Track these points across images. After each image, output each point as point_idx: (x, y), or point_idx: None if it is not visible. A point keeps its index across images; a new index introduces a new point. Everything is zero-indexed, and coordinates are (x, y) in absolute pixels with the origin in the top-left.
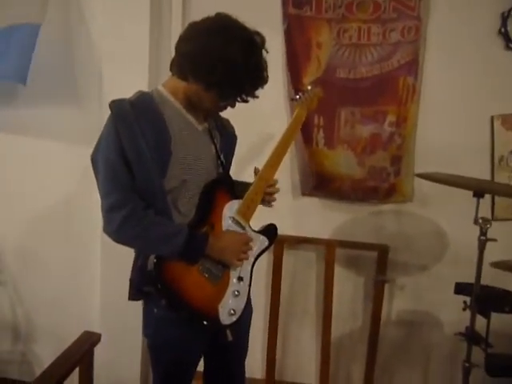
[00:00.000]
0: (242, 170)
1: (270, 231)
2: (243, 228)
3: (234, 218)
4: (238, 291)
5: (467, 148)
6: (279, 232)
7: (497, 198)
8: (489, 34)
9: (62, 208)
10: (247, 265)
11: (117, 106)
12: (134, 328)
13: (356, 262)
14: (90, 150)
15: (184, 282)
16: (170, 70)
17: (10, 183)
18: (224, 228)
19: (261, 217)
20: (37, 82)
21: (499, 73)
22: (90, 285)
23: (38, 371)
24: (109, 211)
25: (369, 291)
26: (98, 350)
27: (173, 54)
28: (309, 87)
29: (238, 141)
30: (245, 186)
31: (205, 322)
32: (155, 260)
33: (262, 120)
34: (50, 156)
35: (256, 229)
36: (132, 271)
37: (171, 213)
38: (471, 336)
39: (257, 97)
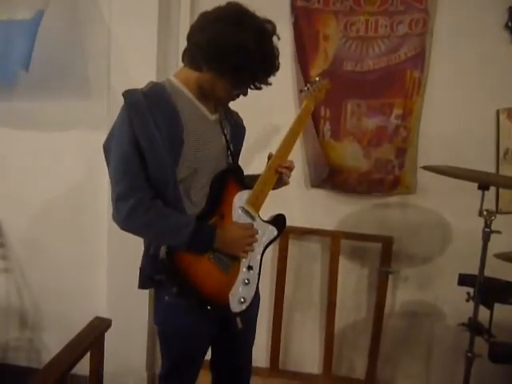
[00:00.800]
0: (250, 161)
1: (278, 221)
2: (253, 218)
3: (243, 208)
4: (247, 280)
5: (472, 141)
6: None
7: (501, 192)
8: (496, 27)
9: (70, 197)
10: (257, 254)
11: (130, 95)
12: (141, 316)
13: (360, 254)
14: (98, 142)
15: (195, 270)
16: (182, 60)
17: (18, 173)
18: (234, 218)
19: (268, 208)
20: (45, 73)
21: (505, 66)
22: (97, 273)
23: (46, 358)
24: (117, 200)
25: (373, 282)
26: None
27: (181, 44)
28: (317, 79)
29: (247, 132)
30: (253, 178)
31: (208, 307)
32: (167, 249)
33: (269, 112)
34: (58, 147)
35: (265, 219)
36: (143, 260)
37: (183, 202)
38: (474, 327)
39: (270, 84)
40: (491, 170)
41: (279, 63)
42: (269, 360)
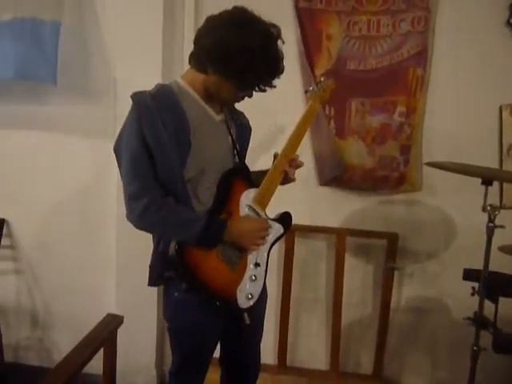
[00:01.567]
0: (256, 160)
1: (285, 219)
2: (259, 216)
3: (250, 206)
4: (255, 276)
5: (475, 137)
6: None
7: (505, 187)
8: (497, 24)
9: (79, 199)
10: (263, 251)
11: (138, 97)
12: (150, 315)
13: (366, 250)
14: (105, 143)
15: (204, 267)
16: (189, 62)
17: (27, 176)
18: (241, 215)
19: (274, 206)
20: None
21: (507, 63)
22: (106, 272)
23: (57, 357)
24: (131, 200)
25: (378, 279)
26: None
27: (185, 47)
28: (322, 79)
29: (253, 132)
30: (259, 174)
31: (217, 303)
32: (177, 246)
33: (275, 112)
34: (67, 149)
35: (271, 217)
36: (152, 257)
37: (191, 201)
38: (479, 321)
39: (274, 86)
40: (495, 166)
41: (284, 66)
42: (277, 357)
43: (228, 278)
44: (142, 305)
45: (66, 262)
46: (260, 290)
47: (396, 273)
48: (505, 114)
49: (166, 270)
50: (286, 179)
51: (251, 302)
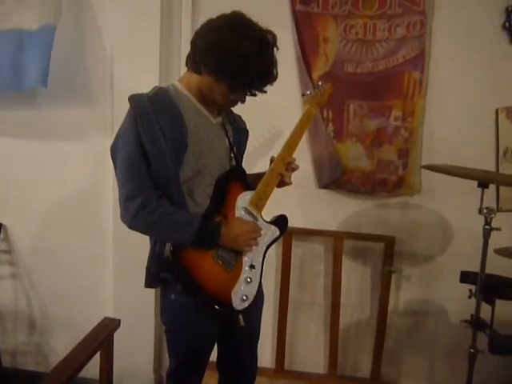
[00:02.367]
0: (253, 163)
1: (281, 222)
2: (255, 218)
3: (246, 209)
4: (250, 278)
5: (472, 140)
6: (288, 224)
7: (501, 190)
8: (493, 28)
9: (75, 203)
10: (259, 254)
11: (136, 100)
12: (147, 318)
13: (363, 254)
14: (103, 147)
15: (199, 268)
16: (186, 64)
17: (24, 180)
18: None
19: (271, 208)
20: (51, 79)
21: (504, 66)
22: (103, 276)
23: (54, 362)
24: (125, 200)
25: (376, 282)
26: None
27: (183, 50)
28: (319, 83)
29: (250, 135)
30: (256, 177)
31: (216, 307)
32: (172, 247)
33: (273, 115)
34: (63, 153)
35: (268, 219)
36: (149, 259)
37: (186, 203)
38: (476, 323)
39: (265, 92)
40: (491, 168)
41: (277, 73)
42: (274, 360)
43: (223, 279)
44: (140, 309)
45: (63, 266)
46: (255, 291)
47: (393, 276)
48: (501, 117)
49: (162, 272)
50: (282, 182)
51: (246, 304)
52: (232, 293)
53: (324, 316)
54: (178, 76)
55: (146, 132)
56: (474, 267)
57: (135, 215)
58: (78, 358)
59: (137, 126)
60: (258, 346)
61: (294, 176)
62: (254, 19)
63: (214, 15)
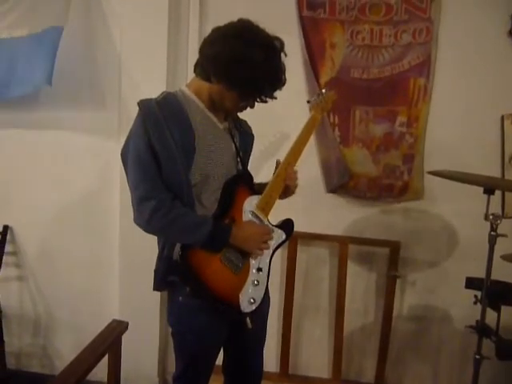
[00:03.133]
0: (259, 167)
1: (287, 225)
2: (262, 222)
3: (253, 212)
4: (257, 281)
5: (478, 147)
6: (294, 228)
7: (507, 197)
8: (499, 35)
9: (81, 205)
10: (266, 257)
11: (145, 105)
12: (153, 322)
13: (368, 259)
14: (110, 150)
15: (207, 271)
16: (194, 71)
17: (31, 181)
18: (244, 221)
19: (277, 213)
20: (59, 82)
21: (509, 73)
22: (109, 279)
23: (59, 364)
24: (139, 203)
25: (381, 287)
26: None
27: (190, 55)
28: (323, 90)
29: (256, 140)
30: (259, 186)
31: (224, 310)
32: (180, 251)
33: (280, 120)
34: (70, 155)
35: (274, 223)
36: (157, 262)
37: (195, 206)
38: (482, 329)
39: (275, 98)
40: (497, 175)
41: (285, 78)
42: (279, 365)
43: (231, 282)
44: (145, 312)
45: (69, 268)
46: (262, 294)
47: (398, 281)
48: (507, 123)
49: (170, 275)
50: (286, 191)
51: (253, 307)
52: (239, 295)
53: (328, 320)
54: (185, 81)
55: (156, 136)
56: (480, 273)
57: (150, 218)
58: (87, 361)
59: (147, 130)
60: (263, 350)
61: (301, 180)
62: (262, 25)
63: (221, 21)
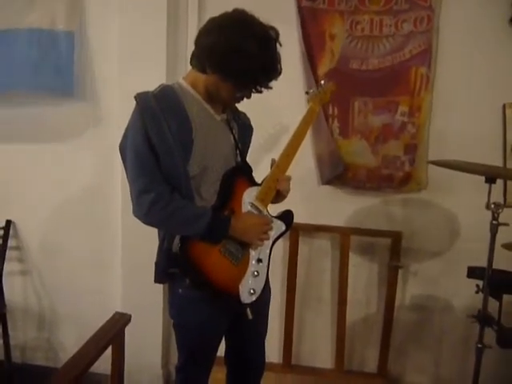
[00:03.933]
0: (259, 159)
1: (286, 217)
2: (261, 213)
3: (252, 204)
4: (257, 272)
5: (479, 136)
6: (295, 220)
7: (509, 185)
8: (500, 23)
9: (83, 198)
10: (266, 248)
11: (142, 98)
12: (156, 312)
13: (370, 249)
14: (110, 143)
15: (207, 262)
16: (190, 63)
17: (33, 176)
18: (243, 212)
19: (278, 205)
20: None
21: (511, 61)
22: (112, 271)
23: (63, 357)
24: (138, 196)
25: (383, 277)
26: None
27: (189, 48)
28: (322, 81)
29: (255, 132)
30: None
31: (224, 301)
32: (180, 243)
33: (278, 112)
34: (71, 149)
35: (274, 215)
36: (157, 255)
37: (194, 198)
38: (484, 318)
39: (270, 88)
40: (498, 164)
41: (281, 68)
42: (281, 355)
43: (231, 273)
44: (148, 304)
45: (72, 262)
46: (262, 285)
47: (400, 271)
48: (508, 112)
49: (170, 267)
50: (279, 196)
51: (254, 298)
52: (239, 287)
53: (331, 311)
54: (185, 73)
55: (153, 128)
56: (481, 262)
57: (148, 211)
58: (90, 353)
59: (144, 124)
60: (266, 341)
61: (301, 172)
62: (260, 16)
63: (220, 11)
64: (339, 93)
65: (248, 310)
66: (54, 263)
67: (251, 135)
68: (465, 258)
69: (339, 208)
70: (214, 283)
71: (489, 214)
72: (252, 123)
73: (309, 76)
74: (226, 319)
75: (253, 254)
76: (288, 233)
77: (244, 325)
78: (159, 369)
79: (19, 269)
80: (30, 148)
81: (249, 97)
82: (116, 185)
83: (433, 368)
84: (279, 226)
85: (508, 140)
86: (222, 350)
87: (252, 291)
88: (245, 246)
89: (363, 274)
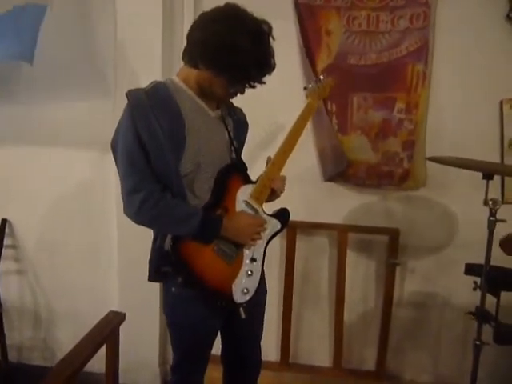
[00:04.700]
0: (255, 157)
1: (282, 215)
2: (256, 211)
3: (247, 202)
4: (251, 271)
5: (477, 132)
6: (292, 217)
7: (506, 182)
8: (497, 19)
9: (79, 197)
10: (260, 247)
11: (133, 95)
12: (152, 311)
13: (368, 247)
14: (106, 141)
15: (199, 261)
16: (182, 59)
17: (29, 175)
18: (237, 211)
19: (274, 202)
20: (52, 73)
21: (508, 57)
22: (108, 270)
23: (60, 356)
24: (128, 194)
25: (380, 275)
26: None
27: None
28: (321, 77)
29: (251, 129)
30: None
31: (218, 303)
32: (171, 241)
33: (275, 108)
34: (66, 147)
35: (269, 213)
36: (151, 253)
37: (187, 196)
38: (481, 315)
39: (264, 83)
40: (496, 160)
41: (275, 63)
42: (279, 354)
43: (224, 272)
44: (145, 302)
45: (68, 260)
46: (256, 284)
47: (398, 268)
48: (506, 108)
49: (163, 265)
50: (273, 195)
51: (247, 297)
52: (232, 286)
53: (328, 309)
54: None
55: (144, 126)
56: (479, 259)
57: (139, 209)
58: (84, 352)
59: (134, 121)
60: (263, 339)
61: (299, 169)
62: (257, 12)
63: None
64: (337, 88)
65: (241, 309)
66: (50, 262)
67: (246, 132)
68: (462, 254)
69: (338, 205)
70: (206, 282)
71: (486, 210)
72: (248, 120)
73: (307, 72)
74: (219, 318)
75: (247, 252)
76: (285, 230)
77: (238, 324)
78: (156, 367)
79: (15, 268)
80: (25, 146)
81: (242, 92)
82: (111, 182)
83: (431, 365)
84: (274, 225)
85: (505, 136)
86: (218, 349)
87: (245, 290)
88: (238, 245)
89: (361, 271)
